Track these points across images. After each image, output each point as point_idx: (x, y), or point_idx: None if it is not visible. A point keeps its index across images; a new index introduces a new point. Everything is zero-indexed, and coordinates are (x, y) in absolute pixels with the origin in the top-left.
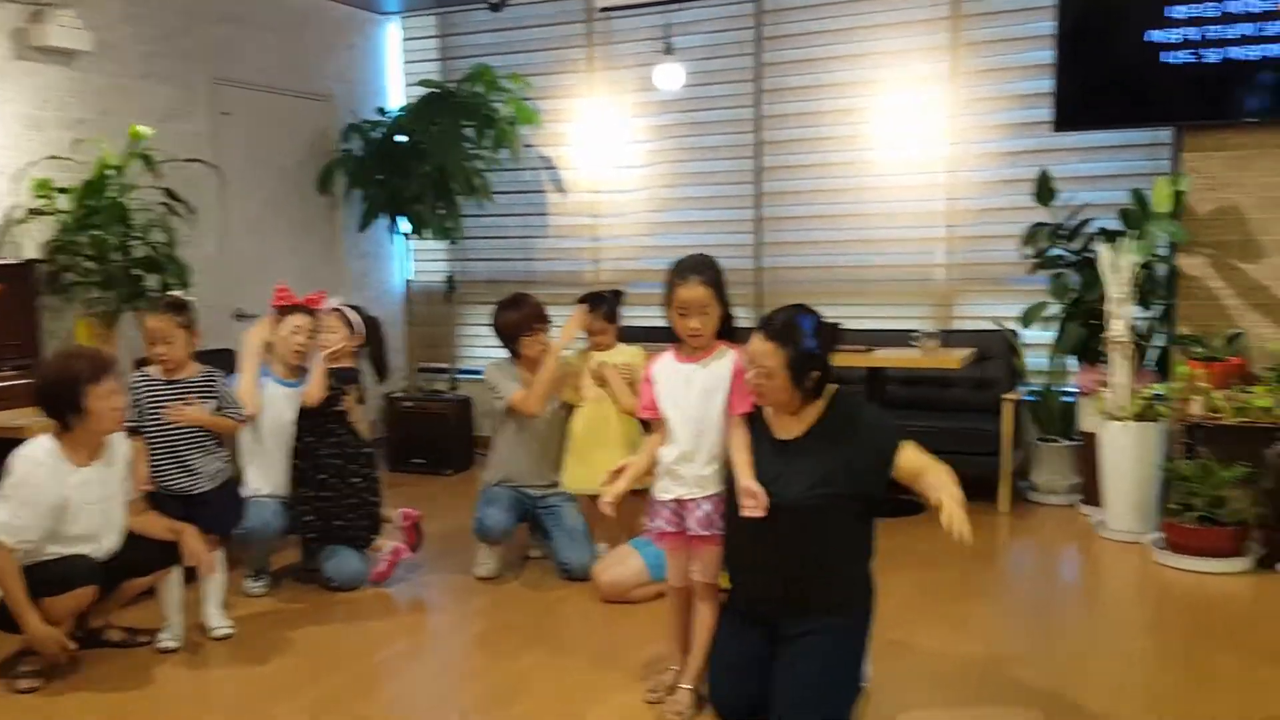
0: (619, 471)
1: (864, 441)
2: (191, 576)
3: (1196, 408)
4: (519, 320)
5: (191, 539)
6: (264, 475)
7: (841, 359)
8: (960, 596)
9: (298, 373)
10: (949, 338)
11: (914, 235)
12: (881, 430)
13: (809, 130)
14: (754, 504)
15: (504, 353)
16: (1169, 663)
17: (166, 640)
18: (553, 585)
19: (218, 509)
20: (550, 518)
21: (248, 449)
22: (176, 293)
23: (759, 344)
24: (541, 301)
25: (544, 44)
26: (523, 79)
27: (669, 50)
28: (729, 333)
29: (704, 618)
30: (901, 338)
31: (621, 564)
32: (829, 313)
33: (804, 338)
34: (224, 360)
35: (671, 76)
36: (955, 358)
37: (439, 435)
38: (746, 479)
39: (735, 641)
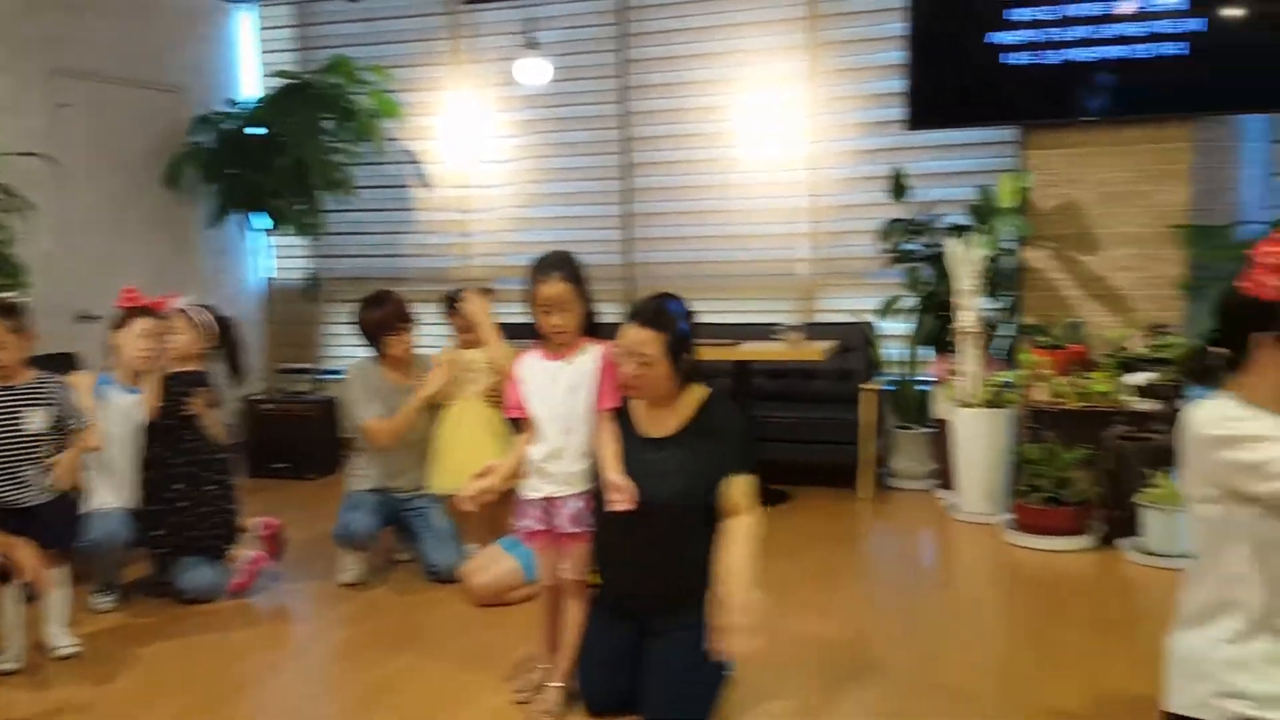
0: (486, 472)
1: (723, 452)
2: (33, 595)
3: (1041, 394)
4: (381, 319)
5: (23, 554)
6: (111, 487)
7: (709, 353)
8: (824, 582)
9: (144, 379)
10: (812, 331)
11: (778, 231)
12: (737, 451)
13: (675, 127)
14: (621, 498)
15: (371, 351)
16: (1020, 639)
17: (5, 663)
18: (421, 589)
19: (52, 522)
20: (418, 520)
21: (92, 460)
22: (6, 295)
23: (636, 333)
24: (407, 299)
25: (406, 35)
26: (384, 71)
27: (533, 44)
28: (593, 329)
29: (573, 615)
30: (767, 331)
31: (494, 566)
32: (697, 308)
33: (677, 320)
34: (66, 365)
35: (535, 71)
36: (818, 350)
37: (302, 438)
38: (614, 474)
39: (604, 637)
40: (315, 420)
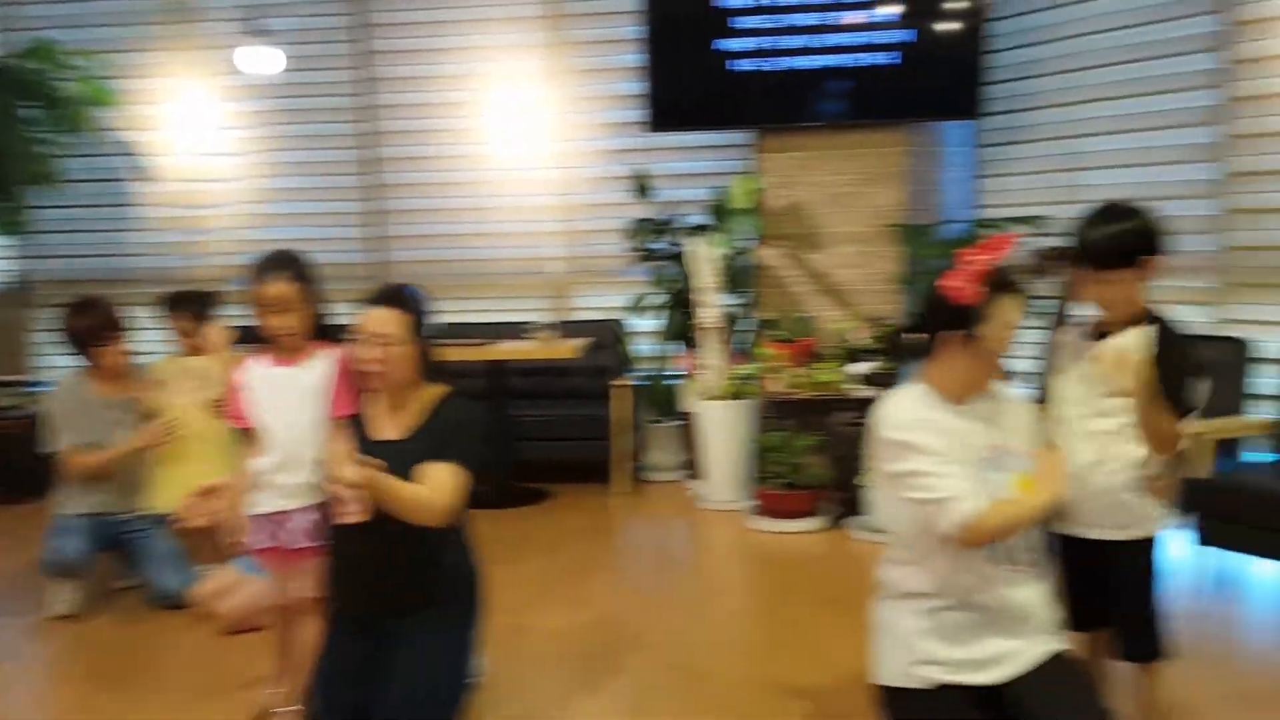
0: (210, 490)
1: (446, 444)
2: None
3: (778, 385)
4: (88, 327)
5: None
6: None
7: (462, 353)
8: (580, 576)
9: None
10: (565, 328)
11: (529, 230)
12: (455, 442)
13: (423, 122)
14: (352, 509)
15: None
16: (760, 618)
17: None
18: (147, 617)
19: None
20: (138, 543)
21: None
22: None
23: (378, 314)
24: (126, 302)
25: (121, 18)
26: (95, 55)
27: (259, 32)
28: (324, 332)
29: (308, 634)
30: (520, 330)
31: (240, 589)
32: (450, 308)
33: (419, 301)
34: None
35: (263, 59)
36: (571, 347)
37: (7, 458)
38: (347, 481)
39: (339, 652)
40: (24, 438)
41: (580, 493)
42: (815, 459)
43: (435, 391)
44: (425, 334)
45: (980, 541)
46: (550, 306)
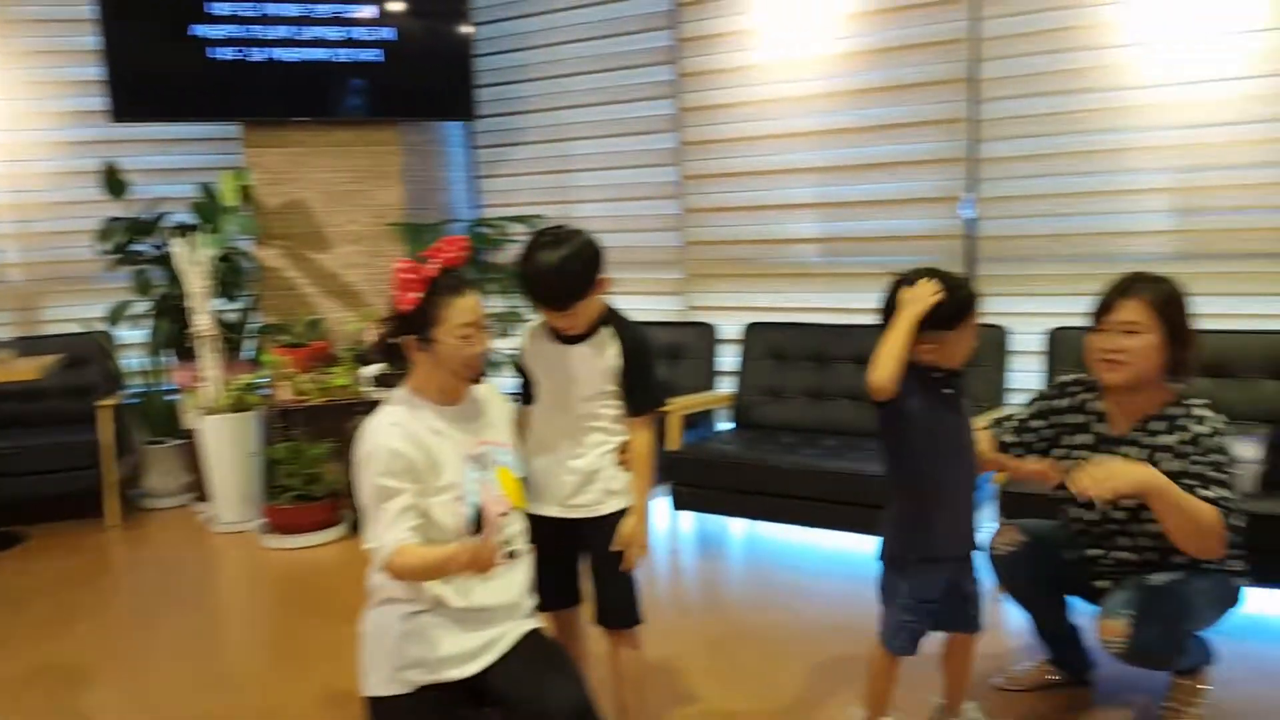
0: None
1: None
2: None
3: (287, 392)
4: None
5: None
6: None
7: None
8: (51, 631)
9: None
10: (35, 344)
11: None
12: None
13: None
14: None
15: None
16: (267, 642)
17: None
18: None
19: None
20: None
21: None
22: None
23: None
24: None
25: None
26: None
27: None
28: None
29: None
30: None
31: None
32: None
33: None
34: None
35: None
36: (32, 368)
37: None
38: None
39: None
40: None
41: (66, 532)
42: (330, 467)
43: None
44: None
45: (405, 579)
46: (15, 321)
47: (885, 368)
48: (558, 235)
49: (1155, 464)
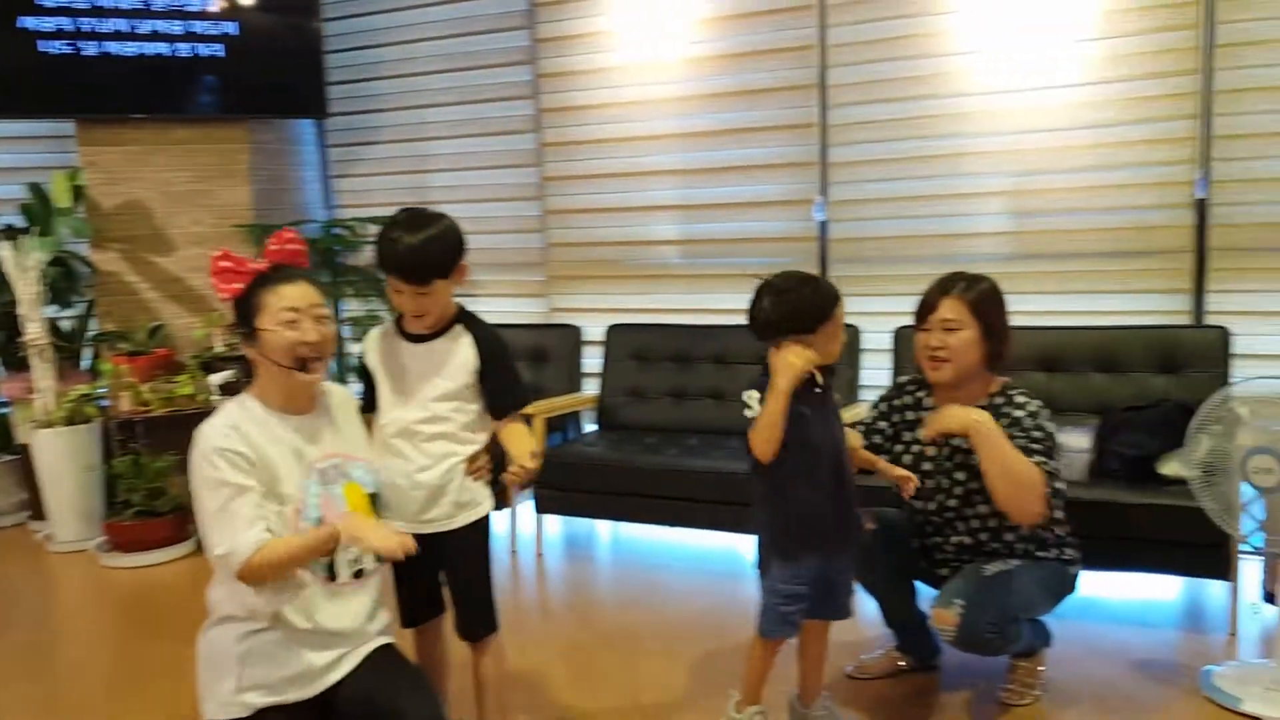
0: None
1: None
2: None
3: (127, 403)
4: None
5: None
6: None
7: None
8: None
9: None
10: None
11: None
12: None
13: None
14: None
15: None
16: (115, 664)
17: None
18: None
19: None
20: None
21: None
22: None
23: None
24: None
25: None
26: None
27: None
28: None
29: None
30: None
31: None
32: None
33: None
34: None
35: None
36: None
37: None
38: None
39: None
40: None
41: None
42: (175, 481)
43: None
44: None
45: (261, 581)
46: None
47: (771, 442)
48: (422, 212)
49: None
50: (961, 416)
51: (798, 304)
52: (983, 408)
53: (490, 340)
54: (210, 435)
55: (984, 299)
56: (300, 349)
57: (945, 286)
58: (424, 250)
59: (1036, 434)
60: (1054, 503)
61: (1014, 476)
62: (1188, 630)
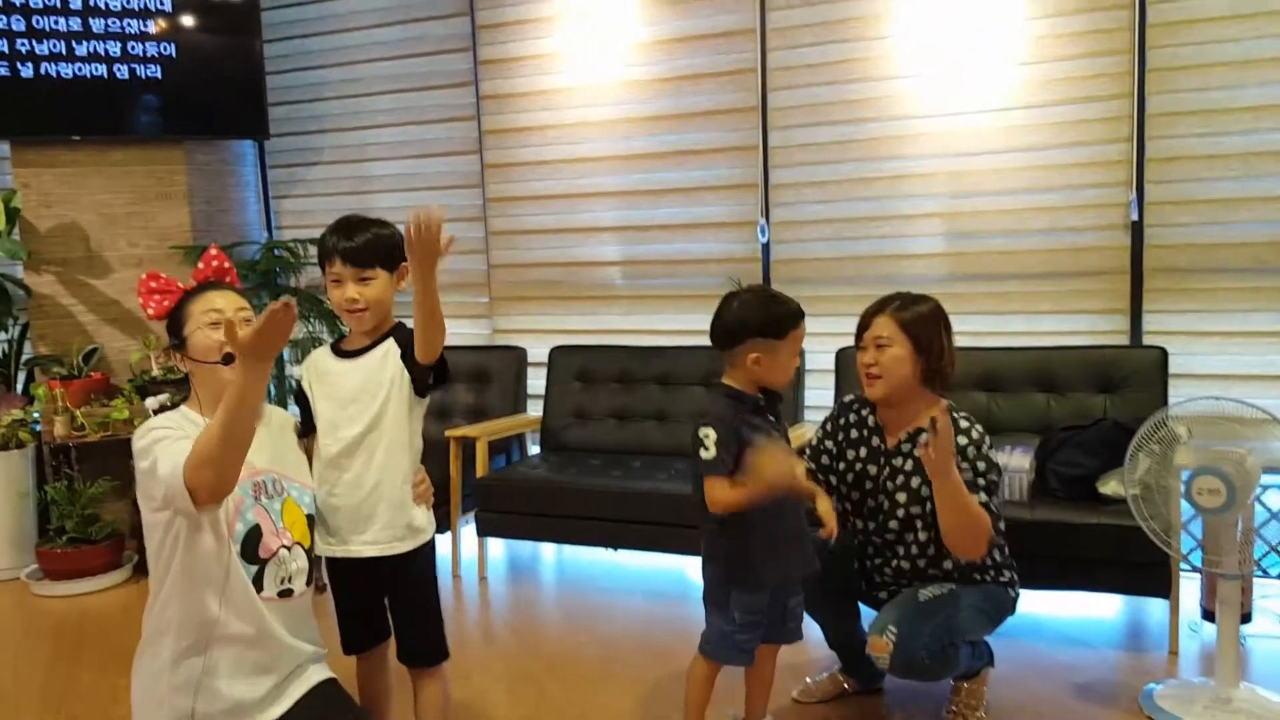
0: None
1: None
2: None
3: (61, 428)
4: None
5: None
6: None
7: None
8: None
9: None
10: None
11: None
12: None
13: None
14: None
15: None
16: (46, 696)
17: None
18: None
19: None
20: None
21: None
22: None
23: None
24: None
25: None
26: None
27: None
28: None
29: None
30: None
31: None
32: None
33: None
34: None
35: None
36: None
37: None
38: None
39: None
40: None
41: None
42: (111, 507)
43: None
44: None
45: (210, 484)
46: None
47: (733, 509)
48: (371, 218)
49: (924, 473)
50: (948, 465)
51: (768, 308)
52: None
53: (408, 330)
54: (151, 424)
55: (917, 318)
56: (224, 347)
57: (881, 305)
58: (367, 233)
59: (980, 465)
60: (994, 539)
61: (969, 522)
62: (1128, 649)
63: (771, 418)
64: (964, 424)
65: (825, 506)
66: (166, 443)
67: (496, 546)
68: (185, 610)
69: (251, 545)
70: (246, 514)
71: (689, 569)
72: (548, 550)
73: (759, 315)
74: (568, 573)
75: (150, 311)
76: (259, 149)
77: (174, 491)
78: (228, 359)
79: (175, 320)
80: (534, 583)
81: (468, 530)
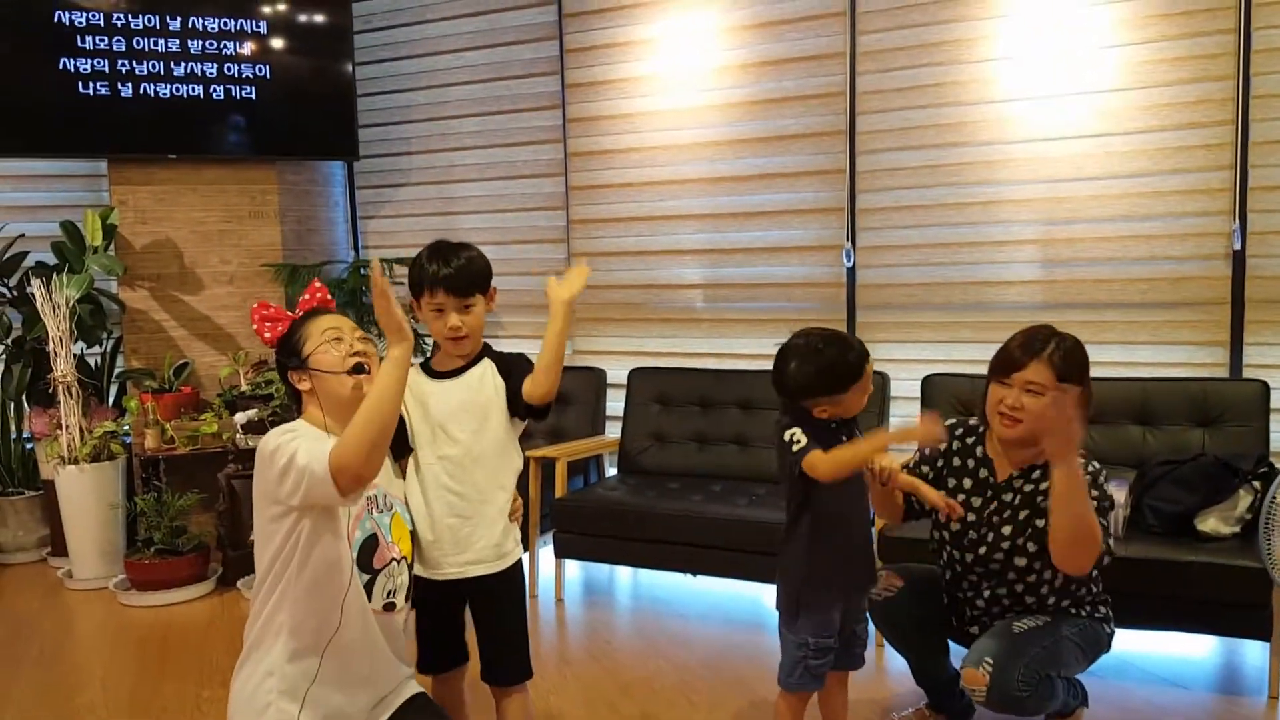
0: None
1: None
2: None
3: (152, 441)
4: None
5: None
6: None
7: None
8: None
9: None
10: None
11: None
12: None
13: None
14: None
15: None
16: (132, 705)
17: None
18: None
19: None
20: None
21: None
22: None
23: None
24: None
25: None
26: None
27: None
28: None
29: None
30: None
31: None
32: None
33: None
34: None
35: None
36: None
37: None
38: None
39: None
40: None
41: None
42: (198, 519)
43: None
44: None
45: (357, 465)
46: None
47: (837, 473)
48: (451, 240)
49: (1038, 506)
50: (1073, 449)
51: (827, 366)
52: (1041, 466)
53: (508, 355)
54: (282, 428)
55: (1070, 364)
56: (350, 360)
57: (1035, 347)
58: (467, 263)
59: (1095, 493)
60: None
61: (1083, 529)
62: (1225, 692)
63: (845, 437)
64: (1079, 460)
65: (935, 494)
66: (303, 440)
67: (573, 568)
68: (299, 616)
69: (367, 554)
70: (365, 523)
71: (766, 596)
72: (624, 573)
73: (819, 380)
74: (644, 596)
75: (266, 336)
76: (348, 170)
77: (315, 479)
78: (356, 369)
79: (291, 343)
80: (610, 605)
81: (545, 551)
